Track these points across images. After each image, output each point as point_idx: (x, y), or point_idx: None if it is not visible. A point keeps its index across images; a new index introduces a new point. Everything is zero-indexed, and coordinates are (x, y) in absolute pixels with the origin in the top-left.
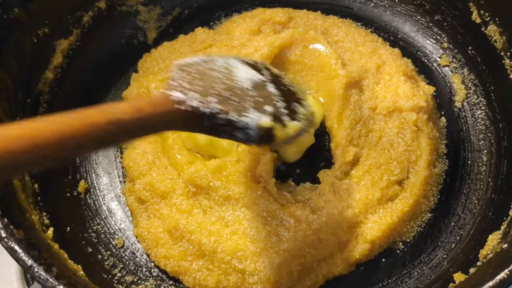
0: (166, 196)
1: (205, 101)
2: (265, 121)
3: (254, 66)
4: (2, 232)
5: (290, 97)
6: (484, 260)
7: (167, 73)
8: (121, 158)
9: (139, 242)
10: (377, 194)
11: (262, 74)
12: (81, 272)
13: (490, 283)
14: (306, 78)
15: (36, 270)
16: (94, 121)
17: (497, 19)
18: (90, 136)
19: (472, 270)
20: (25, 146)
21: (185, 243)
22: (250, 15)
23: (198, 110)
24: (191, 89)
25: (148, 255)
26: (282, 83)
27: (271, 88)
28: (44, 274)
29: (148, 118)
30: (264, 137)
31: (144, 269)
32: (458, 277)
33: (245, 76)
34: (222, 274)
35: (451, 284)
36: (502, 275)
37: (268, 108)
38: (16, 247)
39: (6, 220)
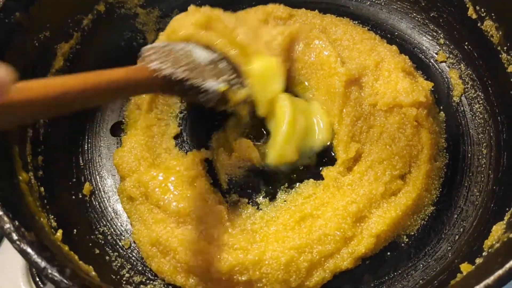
0: (153, 199)
1: (176, 70)
2: (222, 86)
3: (208, 48)
4: (14, 234)
5: (237, 71)
6: (490, 250)
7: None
8: None
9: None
10: (380, 188)
11: (214, 53)
12: (93, 273)
13: (500, 271)
14: (306, 76)
15: (49, 271)
16: (97, 80)
17: (493, 14)
18: (96, 91)
19: (478, 261)
20: (54, 93)
21: (172, 260)
22: (252, 11)
23: (171, 77)
24: (164, 61)
25: None
26: (230, 61)
27: (223, 63)
28: (58, 275)
29: (134, 81)
30: (221, 99)
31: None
32: (465, 267)
33: (202, 55)
34: (227, 287)
35: (458, 274)
36: (511, 263)
37: (223, 78)
38: (29, 249)
39: (17, 223)
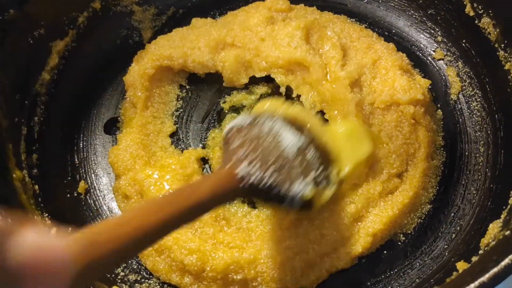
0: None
1: (264, 175)
2: (308, 193)
3: (296, 127)
4: None
5: (326, 161)
6: (486, 248)
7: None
8: None
9: None
10: (378, 188)
11: (302, 135)
12: None
13: (496, 269)
14: (301, 76)
15: None
16: (181, 205)
17: (490, 11)
18: (180, 219)
19: (474, 259)
20: (141, 232)
21: (168, 258)
22: (252, 6)
23: (259, 184)
24: (252, 164)
25: None
26: (319, 145)
27: (311, 152)
28: None
29: (220, 196)
30: (305, 204)
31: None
32: (461, 265)
33: (290, 143)
34: (222, 286)
35: (454, 272)
36: (506, 261)
37: (310, 177)
38: None
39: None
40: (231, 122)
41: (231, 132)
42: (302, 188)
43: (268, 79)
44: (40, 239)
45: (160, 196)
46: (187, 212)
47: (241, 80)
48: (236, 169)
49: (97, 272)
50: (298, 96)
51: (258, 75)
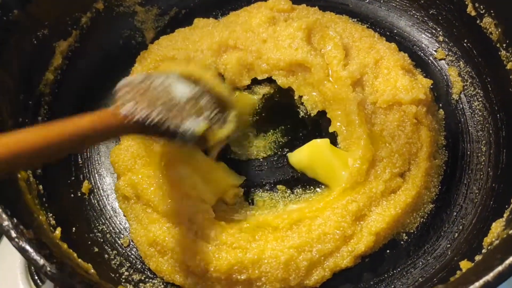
0: (143, 200)
1: (150, 114)
2: (199, 128)
3: (190, 80)
4: (12, 232)
5: (220, 105)
6: (489, 247)
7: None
8: None
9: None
10: (380, 187)
11: (196, 87)
12: (92, 271)
13: (500, 268)
14: (303, 77)
15: (48, 269)
16: (61, 133)
17: (492, 11)
18: (60, 144)
19: (477, 258)
20: (18, 149)
21: (171, 260)
22: (254, 6)
23: (145, 121)
24: (137, 105)
25: None
26: (213, 94)
27: (204, 99)
28: (57, 272)
29: (103, 129)
30: (199, 140)
31: None
32: (465, 264)
33: (181, 91)
34: (226, 286)
35: (458, 271)
36: (511, 259)
37: (201, 117)
38: (28, 247)
39: (15, 221)
40: (123, 79)
41: (120, 87)
42: (193, 124)
43: (270, 79)
44: None
45: (47, 124)
46: (67, 140)
47: (243, 82)
48: (120, 109)
49: None
50: (300, 97)
51: (260, 77)
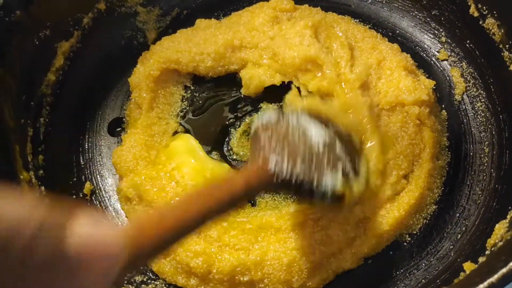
0: (145, 201)
1: (295, 172)
2: (339, 185)
3: (321, 121)
4: None
5: (352, 152)
6: (493, 249)
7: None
8: None
9: None
10: (388, 192)
11: (328, 129)
12: None
13: (504, 270)
14: (307, 76)
15: None
16: (218, 198)
17: (495, 12)
18: (216, 211)
19: (481, 259)
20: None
21: (173, 261)
22: (256, 6)
23: (290, 180)
24: (283, 159)
25: None
26: (344, 137)
27: (338, 146)
28: None
29: (253, 189)
30: (336, 199)
31: None
32: (468, 266)
33: (317, 137)
34: (229, 287)
35: (461, 273)
36: None
37: (340, 171)
38: None
39: None
40: (258, 119)
41: (259, 129)
42: (332, 181)
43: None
44: (93, 229)
45: (199, 189)
46: (223, 205)
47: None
48: (268, 165)
49: (143, 260)
50: None
51: (278, 82)
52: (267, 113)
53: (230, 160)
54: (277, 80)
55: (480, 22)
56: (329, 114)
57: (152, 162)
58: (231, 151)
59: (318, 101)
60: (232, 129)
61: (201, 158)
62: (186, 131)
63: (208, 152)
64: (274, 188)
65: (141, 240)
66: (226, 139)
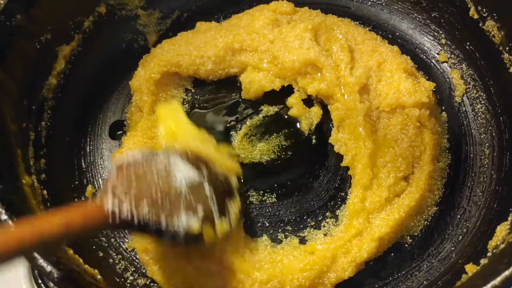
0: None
1: (138, 212)
2: (194, 227)
3: (194, 163)
4: None
5: (223, 195)
6: (495, 250)
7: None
8: None
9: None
10: (384, 194)
11: (200, 172)
12: (99, 277)
13: (507, 272)
14: (307, 79)
15: (56, 275)
16: (28, 236)
17: (495, 14)
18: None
19: (483, 261)
20: None
21: (160, 269)
22: (256, 9)
23: (130, 221)
24: (125, 199)
25: None
26: (218, 181)
27: (206, 188)
28: (64, 279)
29: (80, 229)
30: (191, 239)
31: None
32: (470, 268)
33: (183, 178)
34: None
35: (463, 275)
36: None
37: (200, 212)
38: (34, 254)
39: None
40: (125, 155)
41: (121, 165)
42: (186, 222)
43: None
44: None
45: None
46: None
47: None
48: (106, 205)
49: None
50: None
51: (277, 88)
52: (133, 152)
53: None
54: (276, 85)
55: (480, 24)
56: (207, 155)
57: None
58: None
59: (200, 141)
60: (233, 132)
61: (181, 121)
62: None
63: None
64: (113, 228)
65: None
66: (227, 142)
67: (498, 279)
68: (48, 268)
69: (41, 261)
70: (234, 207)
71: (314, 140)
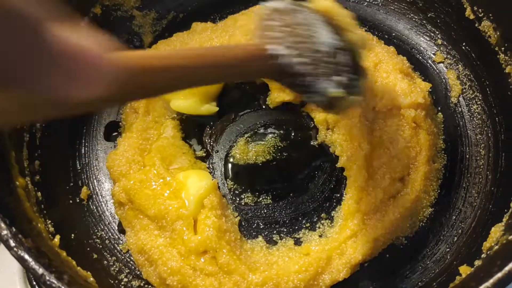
0: (135, 205)
1: (294, 61)
2: (337, 91)
3: (334, 28)
4: (11, 241)
5: (357, 68)
6: (489, 252)
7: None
8: None
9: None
10: (379, 195)
11: (339, 39)
12: (91, 279)
13: (499, 274)
14: None
15: (47, 278)
16: (217, 60)
17: (490, 14)
18: (210, 70)
19: (477, 263)
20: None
21: (155, 271)
22: (252, 10)
23: (288, 70)
24: (283, 45)
25: None
26: (354, 54)
27: (345, 56)
28: (56, 282)
29: (247, 66)
30: (329, 104)
31: None
32: (464, 269)
33: (325, 39)
34: None
35: (457, 277)
36: (510, 266)
37: (341, 78)
38: (26, 256)
39: (14, 230)
40: (266, 5)
41: (269, 11)
42: (328, 84)
43: None
44: (74, 37)
45: (191, 49)
46: (214, 69)
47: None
48: (267, 45)
49: (127, 93)
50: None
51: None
52: (275, 1)
53: (229, 162)
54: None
55: (476, 25)
56: (341, 23)
57: (144, 167)
58: (231, 158)
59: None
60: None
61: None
62: (184, 132)
63: (206, 155)
64: (269, 74)
65: (129, 66)
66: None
67: (491, 281)
68: (40, 270)
69: (32, 264)
70: (362, 80)
71: (309, 142)
